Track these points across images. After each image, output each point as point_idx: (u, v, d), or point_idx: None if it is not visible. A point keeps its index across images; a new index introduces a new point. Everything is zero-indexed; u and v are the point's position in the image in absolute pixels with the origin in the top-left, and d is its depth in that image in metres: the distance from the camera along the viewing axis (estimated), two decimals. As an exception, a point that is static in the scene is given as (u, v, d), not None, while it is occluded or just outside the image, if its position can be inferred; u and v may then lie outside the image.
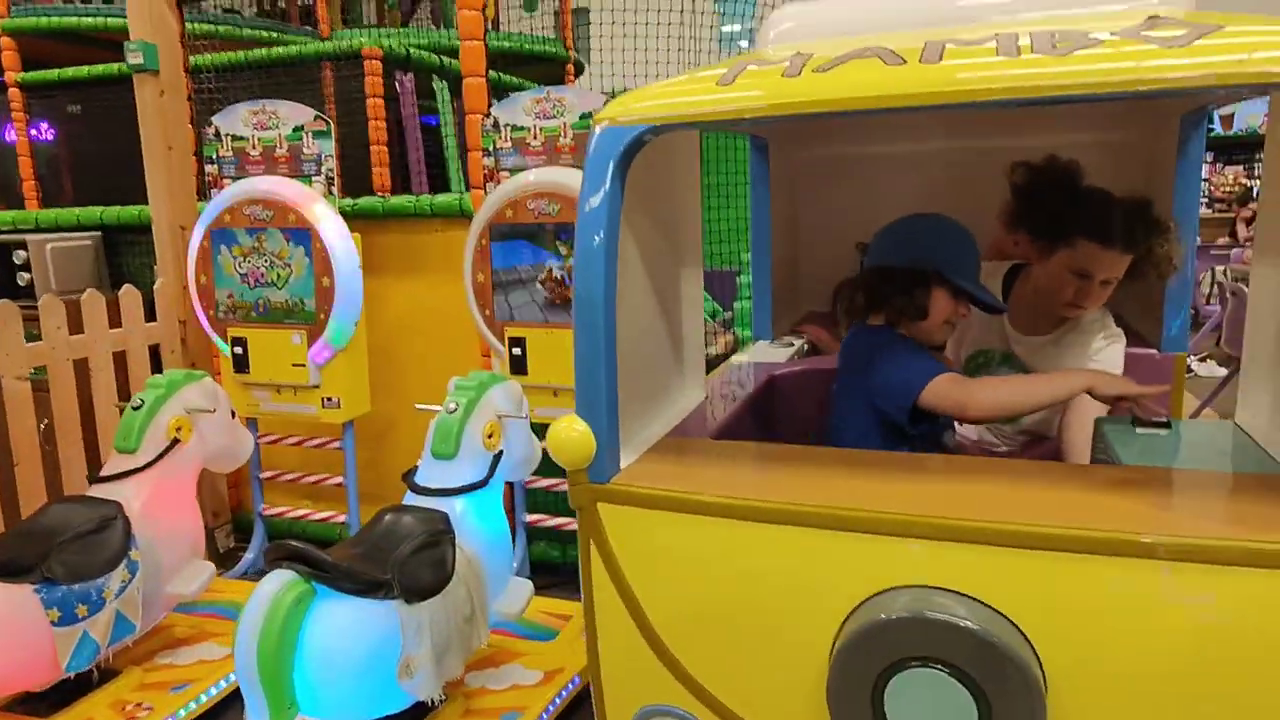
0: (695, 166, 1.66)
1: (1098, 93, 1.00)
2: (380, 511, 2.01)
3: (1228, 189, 11.63)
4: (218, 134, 2.88)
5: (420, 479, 2.12)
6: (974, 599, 1.02)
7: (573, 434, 1.20)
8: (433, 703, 1.85)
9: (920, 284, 1.57)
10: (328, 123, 2.77)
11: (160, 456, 2.29)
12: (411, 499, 2.10)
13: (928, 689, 1.00)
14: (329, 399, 2.83)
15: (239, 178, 2.87)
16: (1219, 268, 6.58)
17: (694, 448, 1.42)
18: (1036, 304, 1.82)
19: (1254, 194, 8.34)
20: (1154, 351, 1.87)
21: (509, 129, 2.67)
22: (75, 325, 2.73)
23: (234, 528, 3.39)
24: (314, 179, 2.79)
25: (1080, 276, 1.71)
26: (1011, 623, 1.01)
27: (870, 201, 2.32)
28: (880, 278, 1.61)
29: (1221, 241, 7.78)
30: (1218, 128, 13.64)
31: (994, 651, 0.97)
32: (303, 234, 2.72)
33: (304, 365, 2.80)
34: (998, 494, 1.13)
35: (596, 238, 1.20)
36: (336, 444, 2.98)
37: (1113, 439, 1.38)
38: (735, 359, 2.16)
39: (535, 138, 2.65)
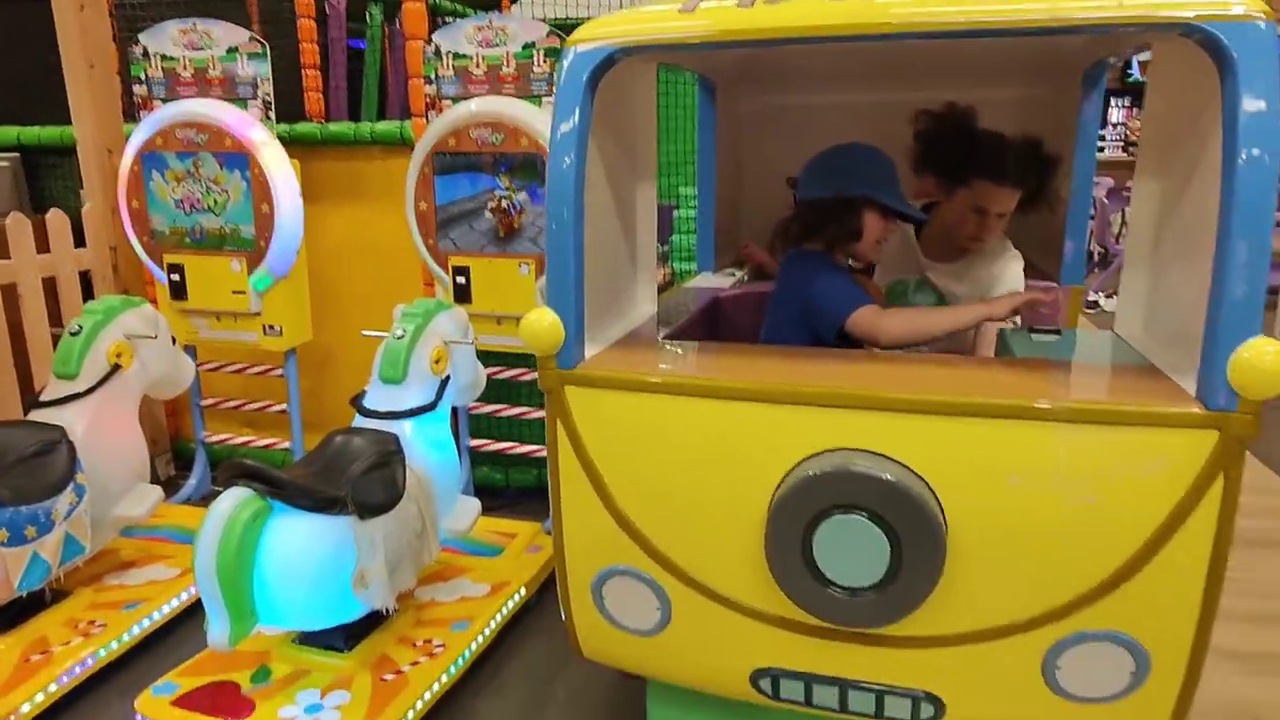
0: (653, 94, 1.74)
1: (1015, 28, 1.12)
2: (331, 433, 2.07)
3: (1144, 133, 12.12)
4: (145, 53, 2.79)
5: (369, 403, 2.19)
6: (888, 458, 1.18)
7: (544, 323, 1.33)
8: (387, 612, 1.95)
9: (852, 209, 1.70)
10: (263, 44, 2.71)
11: (101, 382, 2.29)
12: (361, 422, 2.16)
13: (849, 533, 1.17)
14: (270, 326, 2.84)
15: (170, 100, 2.80)
16: (1127, 209, 6.90)
17: (649, 345, 1.55)
18: (945, 236, 1.98)
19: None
20: (1053, 284, 2.03)
21: (451, 57, 2.66)
22: (0, 250, 2.66)
23: (174, 455, 3.39)
24: (250, 103, 2.74)
25: (979, 213, 1.88)
26: (919, 476, 1.18)
27: (806, 148, 2.45)
28: (814, 209, 1.73)
29: (1131, 183, 8.12)
30: (1136, 73, 14.12)
31: (904, 498, 1.14)
32: (239, 159, 2.68)
33: (244, 292, 2.79)
34: (908, 373, 1.30)
35: (568, 157, 1.30)
36: (278, 371, 2.99)
37: (1011, 343, 1.58)
38: (684, 284, 2.26)
39: (478, 66, 2.65)
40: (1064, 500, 1.16)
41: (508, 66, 2.62)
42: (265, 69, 2.72)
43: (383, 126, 3.00)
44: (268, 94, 2.73)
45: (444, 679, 2.00)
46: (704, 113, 2.21)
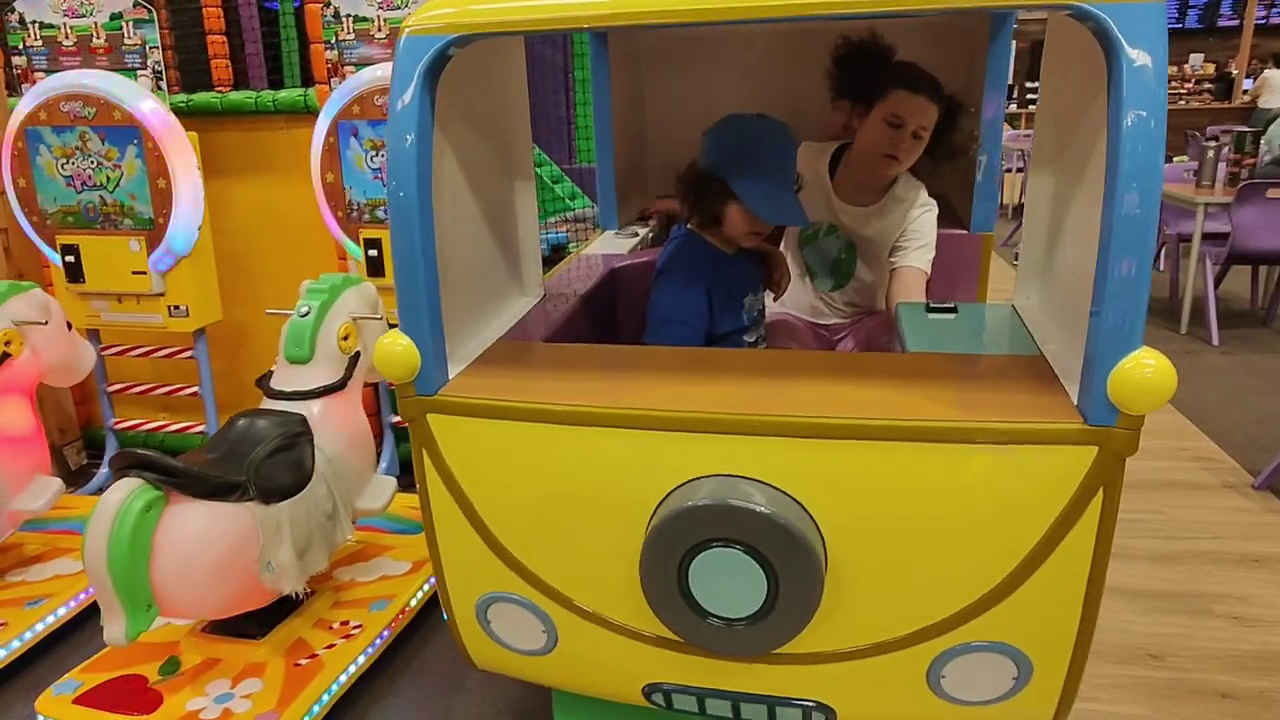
0: (522, 74, 1.66)
1: (909, 11, 1.07)
2: (234, 417, 2.00)
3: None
4: (22, 21, 2.63)
5: (276, 383, 2.11)
6: (765, 484, 1.14)
7: (396, 349, 1.22)
8: (297, 596, 1.91)
9: (714, 194, 1.63)
10: (149, 9, 2.56)
11: (-12, 371, 2.18)
12: (268, 404, 2.10)
13: (724, 565, 1.13)
14: (176, 307, 2.73)
15: (53, 71, 2.65)
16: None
17: (523, 353, 1.47)
18: (859, 177, 1.97)
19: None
20: (965, 231, 2.03)
21: (351, 20, 2.56)
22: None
23: (85, 444, 3.27)
24: (140, 73, 2.60)
25: (893, 125, 1.85)
26: (797, 502, 1.14)
27: (716, 84, 2.31)
28: (684, 180, 1.68)
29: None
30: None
31: (779, 531, 1.10)
32: (130, 132, 2.55)
33: (145, 273, 2.67)
34: (789, 392, 1.24)
35: (406, 148, 1.17)
36: (189, 353, 2.89)
37: (905, 322, 1.55)
38: (583, 251, 2.21)
39: (380, 29, 2.55)
40: (945, 519, 1.13)
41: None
42: (154, 35, 2.58)
43: (285, 94, 2.88)
44: (158, 62, 2.59)
45: (361, 660, 1.97)
46: (596, 57, 2.11)
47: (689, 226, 1.74)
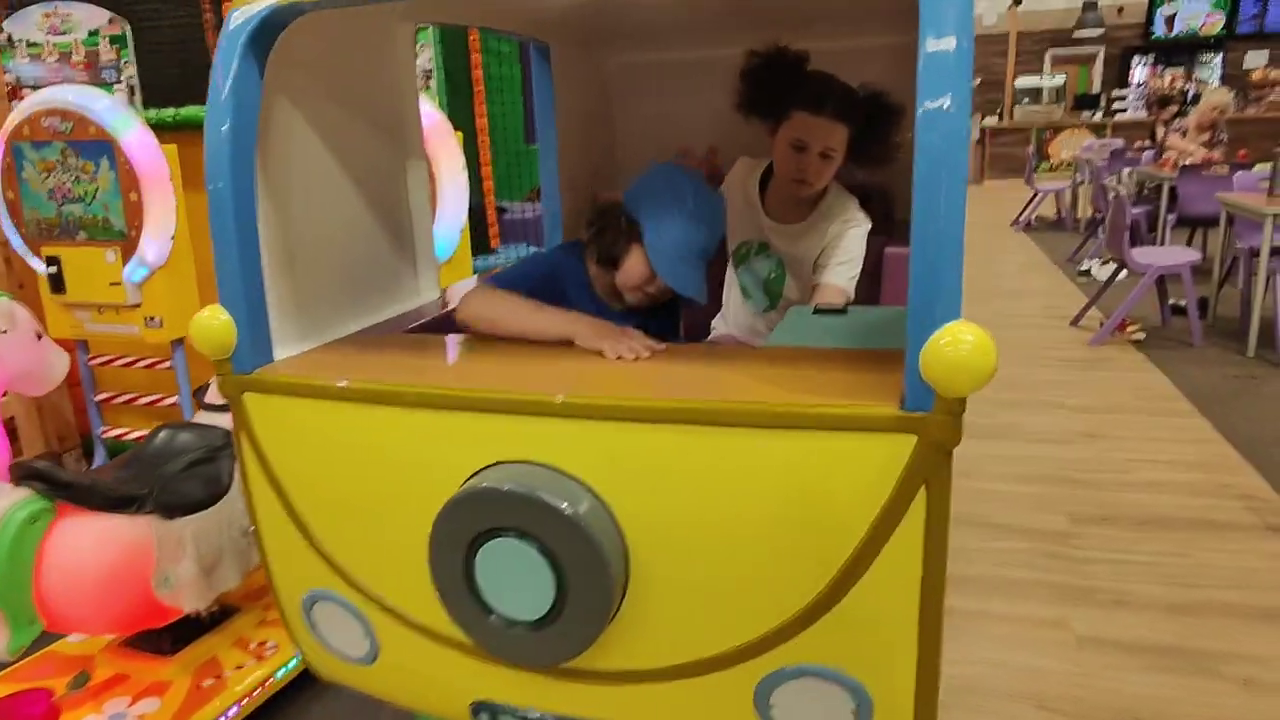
0: (410, 57, 1.60)
1: None
2: (157, 428, 1.98)
3: (1165, 92, 11.61)
4: (10, 40, 2.71)
5: (210, 396, 2.10)
6: (563, 472, 1.03)
7: (213, 323, 1.19)
8: (201, 615, 1.86)
9: (624, 231, 1.46)
10: (124, 26, 2.61)
11: (-52, 379, 2.22)
12: (204, 416, 2.07)
13: (510, 557, 1.02)
14: (151, 318, 2.76)
15: (39, 87, 2.73)
16: (1124, 171, 6.59)
17: (373, 341, 1.40)
18: (784, 193, 1.82)
19: (1186, 97, 8.27)
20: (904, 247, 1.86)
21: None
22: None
23: (84, 452, 3.35)
24: (115, 86, 2.65)
25: (797, 149, 1.71)
26: (596, 495, 1.02)
27: (685, 108, 2.29)
28: (598, 206, 1.53)
29: (1139, 144, 7.77)
30: (1159, 30, 13.54)
31: (562, 521, 0.99)
32: (104, 147, 2.60)
33: (120, 284, 2.71)
34: (604, 372, 1.14)
35: (222, 133, 1.15)
36: (169, 364, 2.92)
37: (786, 319, 1.43)
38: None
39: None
40: (754, 517, 0.99)
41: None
42: (128, 51, 2.62)
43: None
44: (131, 77, 2.63)
45: (269, 683, 1.90)
46: (540, 77, 2.05)
47: (586, 244, 1.60)
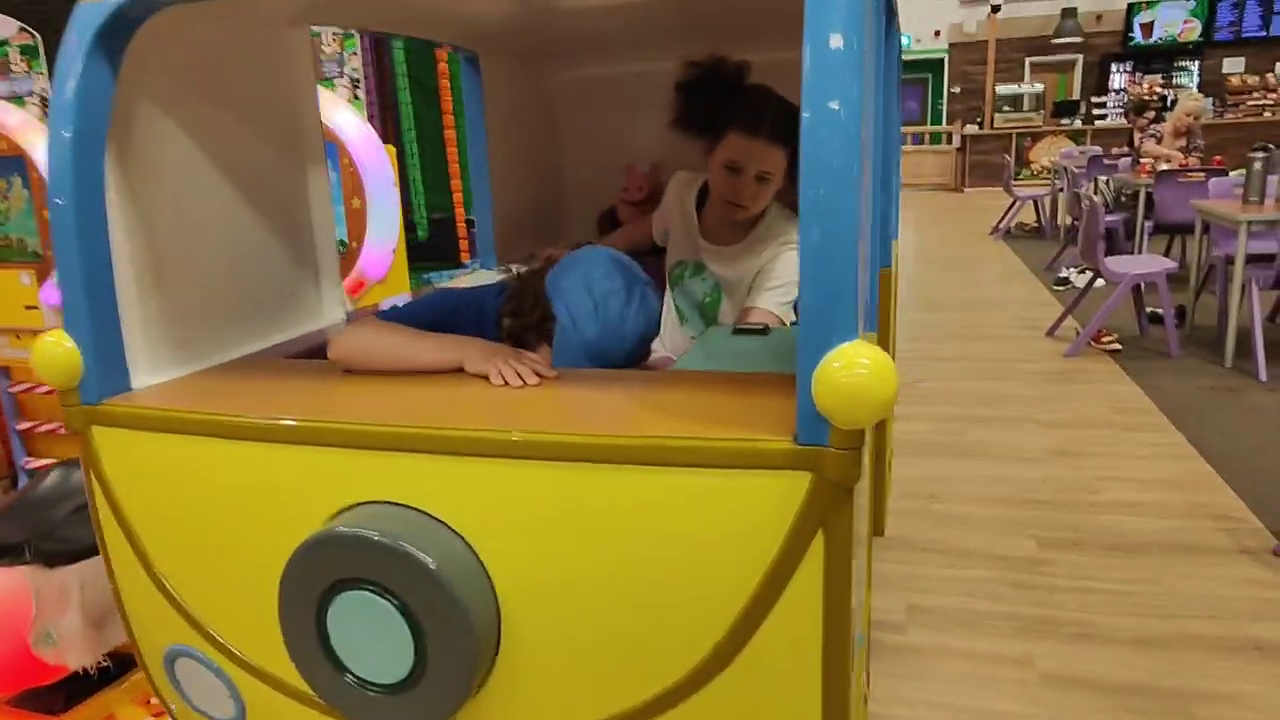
0: (309, 64, 1.47)
1: None
2: (49, 468, 1.84)
3: (1142, 98, 11.57)
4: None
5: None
6: (427, 515, 0.92)
7: (57, 350, 1.08)
8: (89, 672, 1.71)
9: (536, 326, 1.30)
10: (34, 36, 2.48)
11: None
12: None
13: (364, 612, 0.91)
14: (70, 343, 2.62)
15: None
16: (1101, 178, 6.52)
17: (261, 366, 1.29)
18: (719, 215, 1.71)
19: (1165, 103, 8.22)
20: None
21: None
22: None
23: (12, 484, 3.19)
24: (27, 100, 2.52)
25: (731, 170, 1.60)
26: (466, 543, 0.91)
27: (633, 130, 2.19)
28: (524, 280, 1.38)
29: (1116, 151, 7.71)
30: (1138, 36, 13.55)
31: (421, 573, 0.87)
32: (16, 163, 2.45)
33: (37, 307, 2.57)
34: (483, 403, 1.03)
35: (67, 133, 1.04)
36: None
37: (702, 341, 1.34)
38: (438, 285, 2.01)
39: None
40: (637, 567, 0.88)
41: None
42: (39, 63, 2.49)
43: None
44: (45, 89, 2.49)
45: (167, 745, 1.75)
46: (468, 89, 1.94)
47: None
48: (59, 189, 1.04)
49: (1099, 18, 13.50)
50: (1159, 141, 6.44)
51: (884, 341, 2.00)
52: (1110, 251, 6.44)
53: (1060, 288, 5.97)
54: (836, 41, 0.77)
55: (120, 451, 1.09)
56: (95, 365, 1.08)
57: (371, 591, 0.89)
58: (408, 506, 0.92)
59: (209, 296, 1.28)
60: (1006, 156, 9.33)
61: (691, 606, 0.87)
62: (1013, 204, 8.52)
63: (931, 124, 14.50)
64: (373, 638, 0.91)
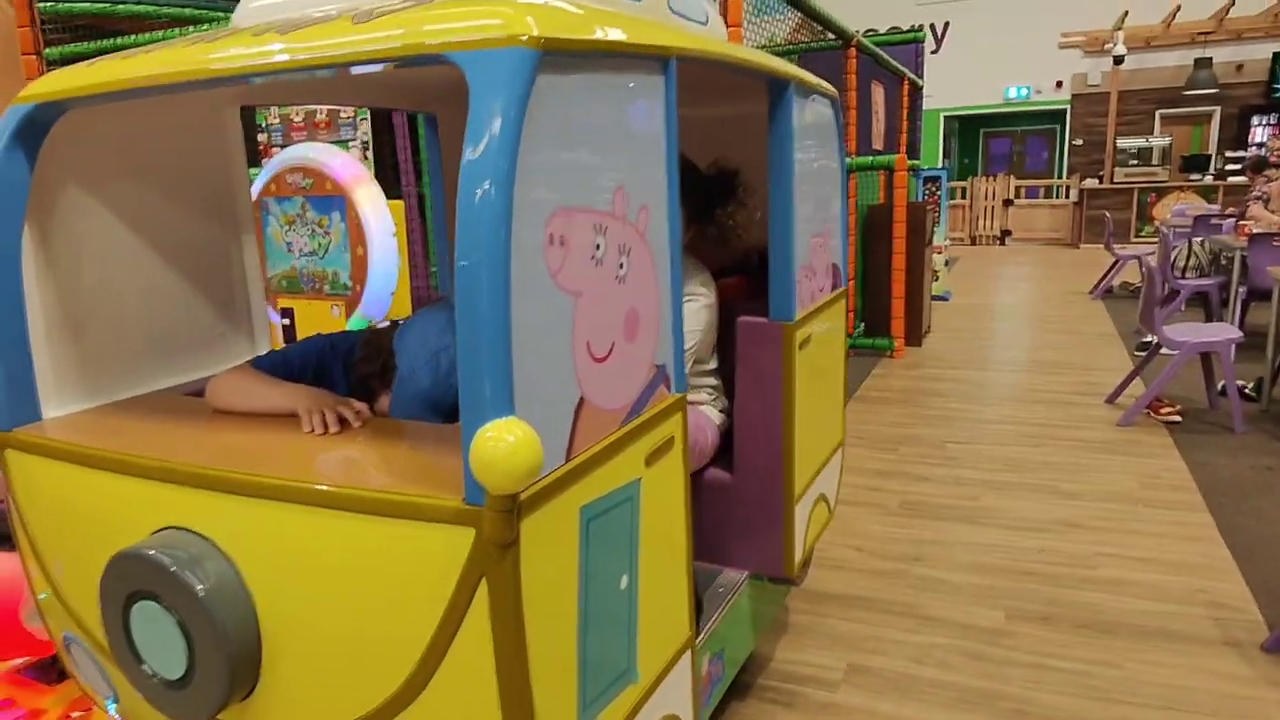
0: (238, 139, 1.71)
1: (304, 67, 1.04)
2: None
3: (1267, 155, 10.73)
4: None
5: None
6: (212, 543, 1.09)
7: None
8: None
9: (380, 375, 1.46)
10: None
11: None
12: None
13: (154, 619, 1.10)
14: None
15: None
16: (1197, 240, 6.16)
17: (157, 401, 1.49)
18: None
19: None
20: (764, 319, 1.83)
21: (274, 108, 2.74)
22: None
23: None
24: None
25: None
26: (233, 566, 1.08)
27: None
28: (376, 337, 1.52)
29: (1230, 211, 7.25)
30: (1284, 88, 12.61)
31: (190, 596, 1.05)
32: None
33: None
34: (277, 447, 1.20)
35: None
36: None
37: None
38: (378, 324, 2.22)
39: (297, 114, 2.71)
40: (352, 603, 1.02)
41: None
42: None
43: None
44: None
45: (132, 720, 2.00)
46: (431, 147, 2.16)
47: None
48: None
49: (1240, 67, 12.72)
50: (1266, 203, 6.06)
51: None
52: (1208, 318, 6.07)
53: (1142, 353, 5.67)
54: (496, 125, 0.87)
55: (21, 471, 1.32)
56: (6, 399, 1.30)
57: (158, 604, 1.08)
58: (198, 534, 1.10)
59: (126, 343, 1.49)
60: (1107, 214, 8.92)
61: (390, 637, 1.00)
62: (1115, 263, 8.14)
63: (1057, 177, 14.01)
64: (160, 640, 1.10)
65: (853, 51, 5.49)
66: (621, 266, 1.14)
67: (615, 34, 1.10)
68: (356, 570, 1.01)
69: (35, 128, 1.30)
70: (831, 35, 5.41)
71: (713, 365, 1.98)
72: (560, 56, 0.96)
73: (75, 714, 1.99)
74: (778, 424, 1.82)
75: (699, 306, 1.79)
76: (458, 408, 1.34)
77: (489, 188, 0.87)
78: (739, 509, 1.91)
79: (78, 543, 1.26)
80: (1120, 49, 12.34)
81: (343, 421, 1.25)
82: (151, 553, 1.07)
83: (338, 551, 1.02)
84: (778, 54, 5.73)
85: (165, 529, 1.13)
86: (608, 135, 1.11)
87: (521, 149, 0.89)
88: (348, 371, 1.49)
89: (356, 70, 1.03)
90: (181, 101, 1.57)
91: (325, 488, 1.01)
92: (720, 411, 1.97)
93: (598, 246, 1.07)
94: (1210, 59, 12.45)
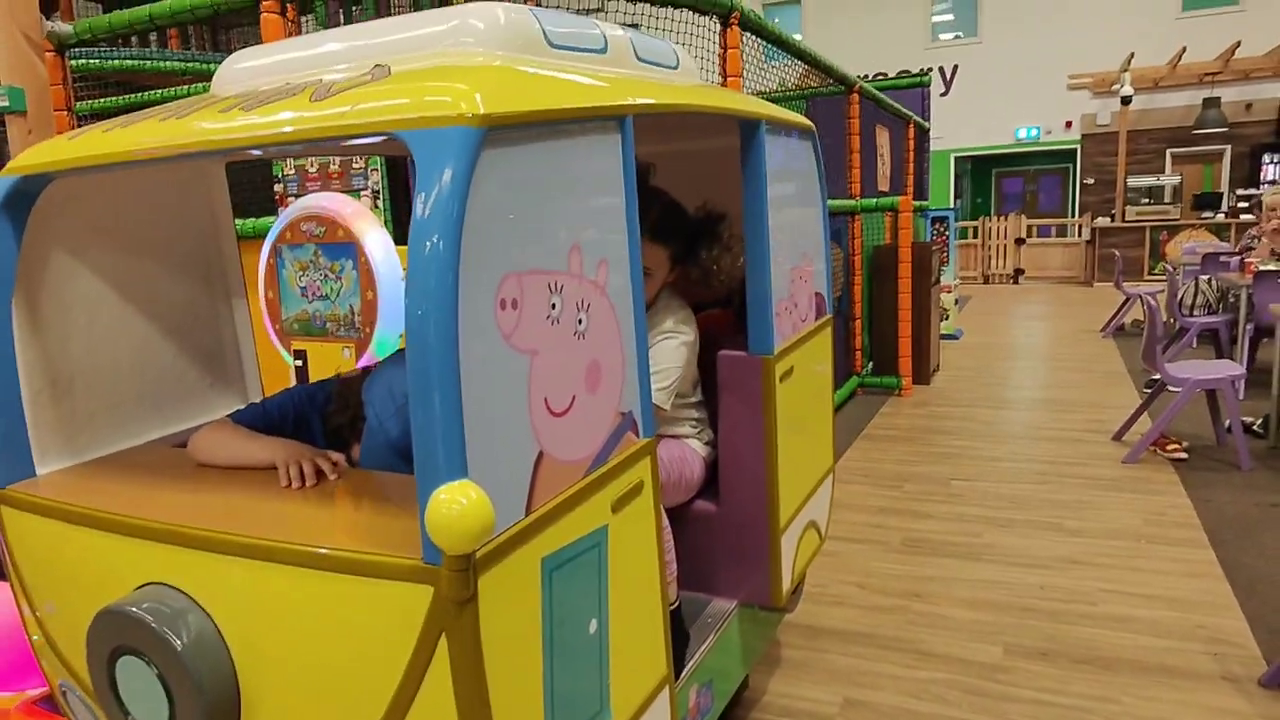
0: (224, 197, 1.77)
1: (262, 144, 1.13)
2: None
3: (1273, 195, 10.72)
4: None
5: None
6: (191, 598, 1.14)
7: None
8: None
9: (350, 425, 1.51)
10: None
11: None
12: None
13: (137, 673, 1.14)
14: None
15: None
16: (1203, 277, 6.18)
17: (148, 454, 1.54)
18: None
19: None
20: (744, 353, 1.89)
21: (290, 159, 2.87)
22: None
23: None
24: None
25: None
26: (212, 620, 1.13)
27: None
28: (344, 385, 1.57)
29: (1240, 247, 7.25)
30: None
31: (168, 651, 1.10)
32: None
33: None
34: (253, 505, 1.25)
35: None
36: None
37: None
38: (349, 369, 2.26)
39: (312, 165, 2.83)
40: (323, 657, 1.07)
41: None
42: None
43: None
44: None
45: None
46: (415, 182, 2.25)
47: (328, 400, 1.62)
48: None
49: (1249, 106, 12.82)
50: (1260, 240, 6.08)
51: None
52: (1218, 355, 6.06)
53: (1150, 390, 5.67)
54: (446, 177, 0.92)
55: (15, 526, 1.37)
56: (1, 457, 1.36)
57: (140, 659, 1.13)
58: (178, 589, 1.14)
59: (116, 400, 1.54)
60: (1116, 252, 8.93)
61: (359, 688, 1.04)
62: (1125, 301, 8.14)
63: (1071, 216, 14.07)
64: (143, 693, 1.15)
65: (855, 97, 5.62)
66: (580, 322, 1.19)
67: (567, 101, 1.16)
68: (326, 625, 1.06)
69: (22, 198, 1.35)
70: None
71: (696, 398, 2.04)
72: (507, 130, 1.01)
73: None
74: (761, 455, 1.87)
75: (678, 344, 1.86)
76: None
77: (434, 273, 0.91)
78: (726, 539, 1.96)
79: (67, 596, 1.31)
80: (1127, 90, 12.47)
81: (319, 473, 1.30)
82: (133, 610, 1.12)
83: (308, 607, 1.07)
84: (787, 99, 5.88)
85: (148, 584, 1.17)
86: (561, 197, 1.16)
87: (466, 223, 0.93)
88: (324, 421, 1.54)
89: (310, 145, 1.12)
90: (162, 168, 1.62)
91: (295, 546, 1.06)
92: (705, 444, 2.03)
93: (553, 306, 1.12)
94: (1219, 99, 12.56)
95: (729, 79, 3.52)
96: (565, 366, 1.16)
